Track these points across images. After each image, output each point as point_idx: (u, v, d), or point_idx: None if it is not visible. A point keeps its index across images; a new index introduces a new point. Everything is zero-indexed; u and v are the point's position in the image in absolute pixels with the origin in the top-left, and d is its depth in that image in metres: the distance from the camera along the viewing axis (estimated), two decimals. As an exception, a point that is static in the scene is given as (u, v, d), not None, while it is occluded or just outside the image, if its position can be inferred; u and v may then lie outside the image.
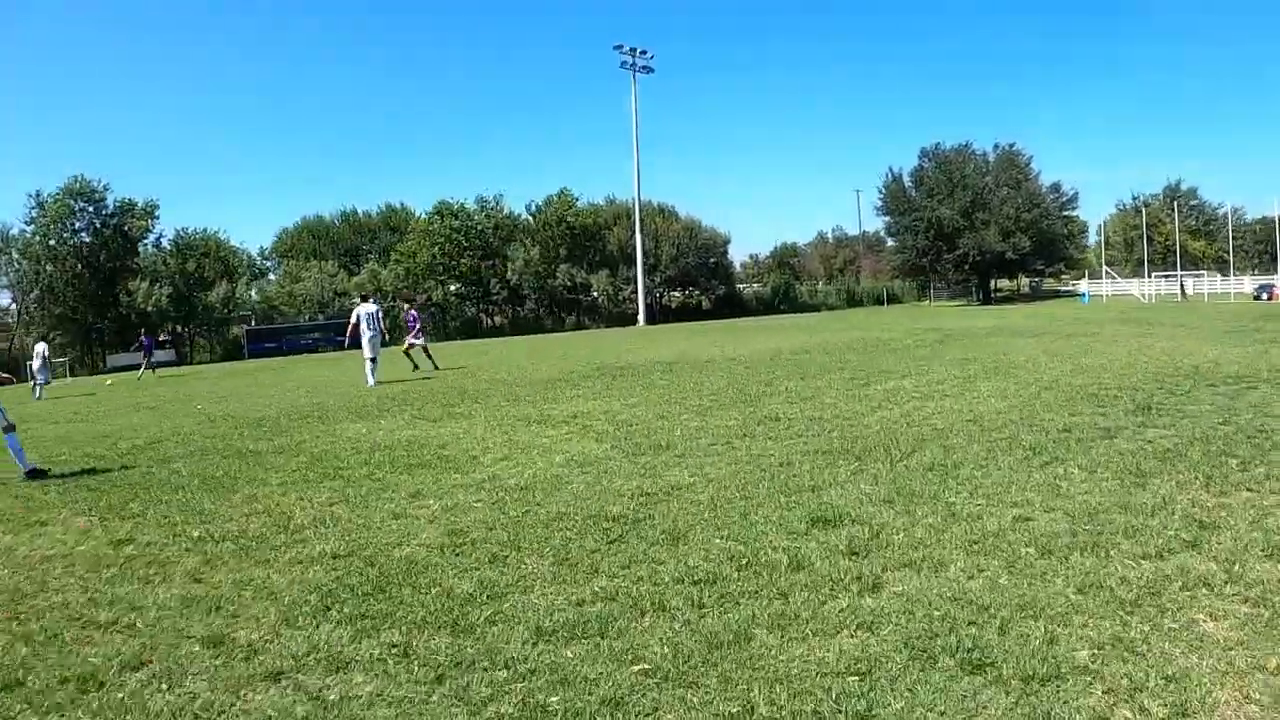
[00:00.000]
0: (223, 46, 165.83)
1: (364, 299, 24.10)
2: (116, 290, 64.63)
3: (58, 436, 14.83)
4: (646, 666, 4.03)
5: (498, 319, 78.14)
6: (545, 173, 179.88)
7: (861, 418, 10.98)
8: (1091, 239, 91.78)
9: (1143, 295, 66.42)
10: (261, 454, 11.10)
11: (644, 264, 74.51)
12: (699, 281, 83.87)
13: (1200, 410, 10.18)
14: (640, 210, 75.89)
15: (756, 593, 4.89)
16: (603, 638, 4.40)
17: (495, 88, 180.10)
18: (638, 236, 74.29)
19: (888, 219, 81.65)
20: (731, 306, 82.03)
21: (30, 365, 30.36)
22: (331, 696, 3.98)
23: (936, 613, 4.44)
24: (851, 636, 4.24)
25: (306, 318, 69.72)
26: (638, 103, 75.26)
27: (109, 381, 35.94)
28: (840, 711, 3.53)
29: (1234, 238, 77.21)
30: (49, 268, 63.15)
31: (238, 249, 78.21)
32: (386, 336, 22.79)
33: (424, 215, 78.25)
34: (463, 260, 73.42)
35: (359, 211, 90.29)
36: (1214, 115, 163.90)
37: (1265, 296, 55.29)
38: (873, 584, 4.90)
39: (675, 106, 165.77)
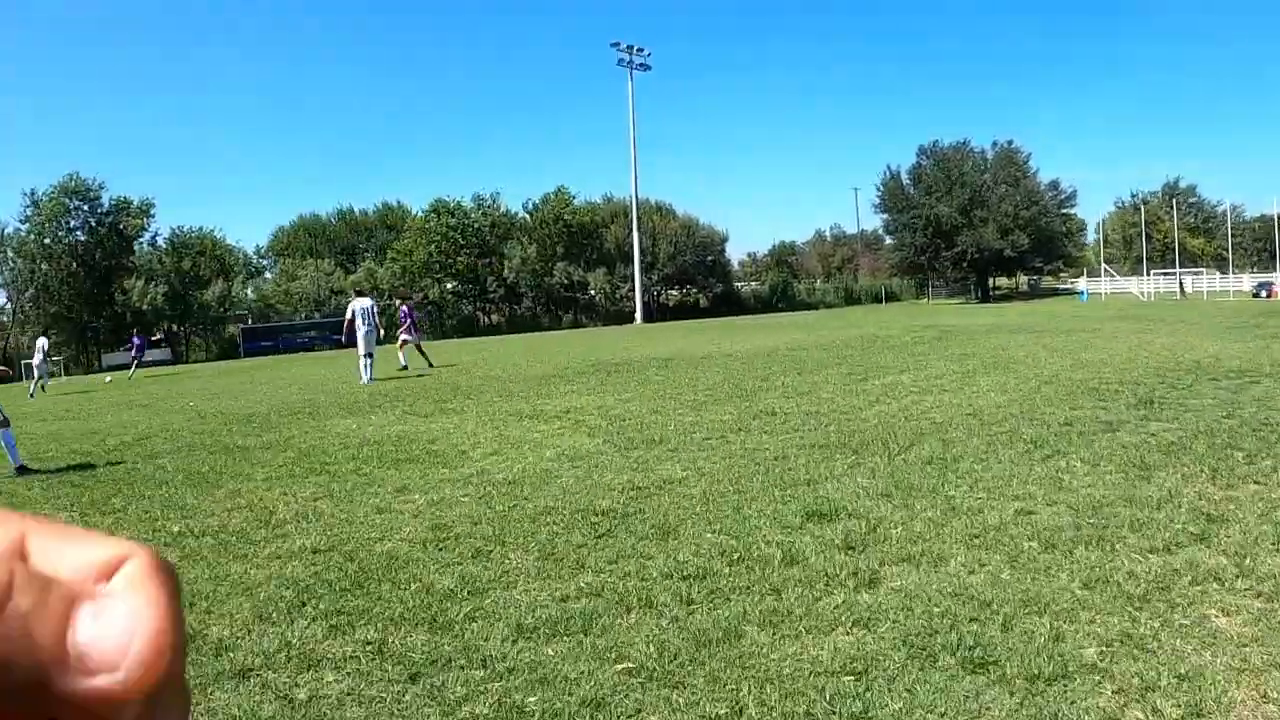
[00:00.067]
0: (218, 46, 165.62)
1: (359, 294, 23.81)
2: (112, 289, 64.33)
3: (48, 434, 14.64)
4: (630, 665, 3.84)
5: (495, 317, 77.85)
6: (542, 171, 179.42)
7: (859, 412, 10.79)
8: (1090, 237, 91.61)
9: (1141, 293, 66.22)
10: (249, 449, 10.92)
11: (641, 262, 74.27)
12: (696, 280, 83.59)
13: (1203, 404, 10.00)
14: (637, 208, 75.68)
15: (748, 588, 4.70)
16: (586, 635, 4.21)
17: (493, 87, 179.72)
18: (635, 234, 74.05)
19: (886, 217, 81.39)
20: (729, 305, 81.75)
21: (34, 361, 30.00)
22: (300, 695, 3.79)
23: (936, 609, 4.24)
24: (847, 634, 4.05)
25: (302, 316, 69.41)
26: (634, 101, 75.15)
27: (108, 379, 35.74)
28: (834, 713, 3.33)
29: (1233, 235, 77.03)
30: (44, 266, 62.82)
31: (234, 248, 77.97)
32: (382, 333, 22.54)
33: (421, 213, 77.99)
34: (459, 258, 73.15)
35: (355, 210, 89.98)
36: (1214, 114, 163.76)
37: (1264, 294, 55.09)
38: (869, 579, 4.71)
39: (673, 105, 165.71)
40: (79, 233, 64.67)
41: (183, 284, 67.23)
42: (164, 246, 69.50)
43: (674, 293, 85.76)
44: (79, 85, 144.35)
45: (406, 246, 74.19)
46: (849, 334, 28.32)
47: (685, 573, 4.99)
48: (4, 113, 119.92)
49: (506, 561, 5.44)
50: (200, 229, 73.52)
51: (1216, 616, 4.04)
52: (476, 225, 74.64)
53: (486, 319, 77.20)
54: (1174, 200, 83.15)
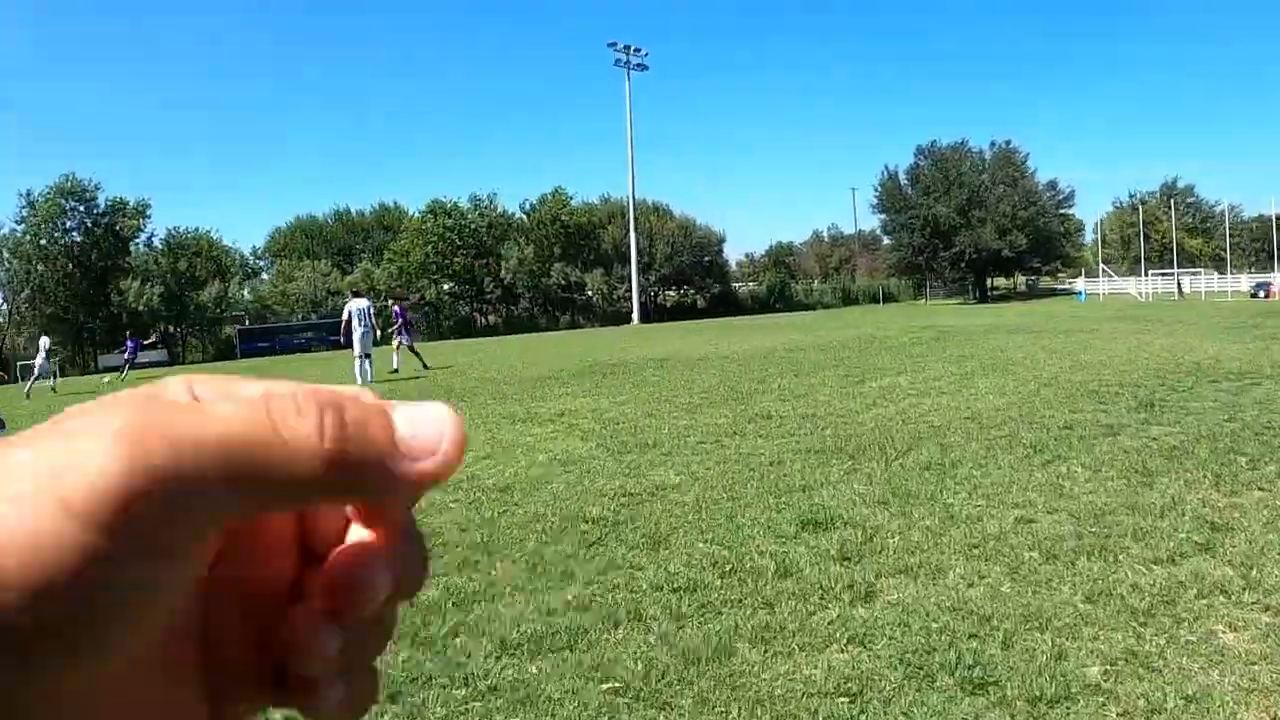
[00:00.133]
0: (212, 45, 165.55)
1: (356, 295, 23.59)
2: (108, 290, 64.23)
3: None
4: (617, 685, 3.69)
5: (492, 318, 77.73)
6: (540, 172, 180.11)
7: (856, 415, 10.65)
8: (1088, 237, 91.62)
9: (1139, 293, 66.12)
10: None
11: (638, 263, 74.17)
12: (694, 280, 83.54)
13: (1204, 407, 9.86)
14: (635, 209, 75.58)
15: (740, 601, 4.56)
16: (571, 651, 4.06)
17: (491, 87, 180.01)
18: (632, 235, 73.93)
19: (883, 217, 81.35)
20: (726, 305, 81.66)
21: (36, 360, 30.07)
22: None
23: (934, 625, 4.10)
24: (842, 651, 3.90)
25: (299, 317, 69.24)
26: (632, 101, 75.07)
27: (106, 380, 35.66)
28: (828, 737, 3.20)
29: (1231, 236, 77.05)
30: (40, 267, 62.74)
31: (230, 248, 77.92)
32: (378, 334, 22.35)
33: (417, 214, 77.89)
34: (456, 259, 73.04)
35: (352, 211, 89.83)
36: (1212, 114, 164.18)
37: (1262, 294, 55.00)
38: (865, 592, 4.56)
39: (670, 105, 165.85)
40: (75, 233, 64.62)
41: (179, 285, 67.10)
42: (160, 247, 69.40)
43: (671, 293, 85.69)
44: (71, 84, 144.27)
45: (403, 247, 74.09)
46: (846, 335, 28.17)
47: (676, 585, 4.84)
48: None
49: (493, 572, 5.30)
50: (196, 230, 73.51)
51: (1224, 632, 3.90)
52: (473, 226, 74.54)
53: (484, 320, 77.09)
54: (1172, 200, 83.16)
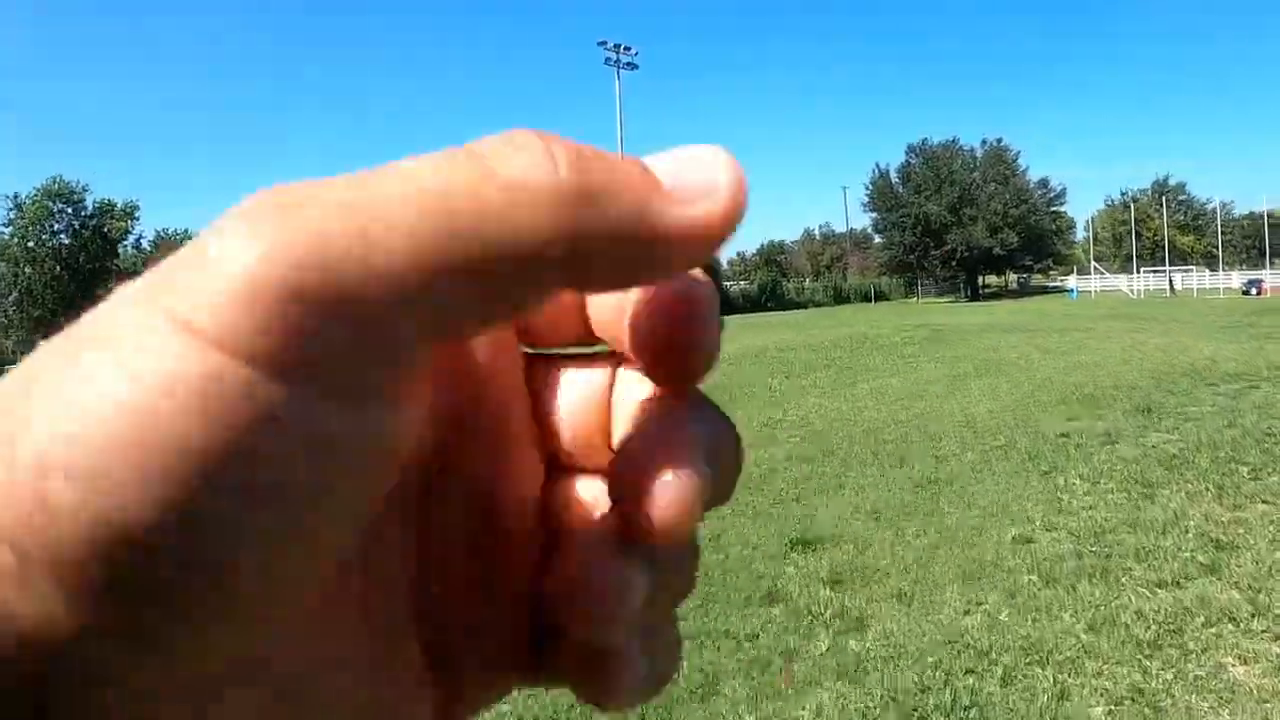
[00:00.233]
0: (201, 46, 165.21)
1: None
2: (96, 292, 63.36)
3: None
4: (591, 729, 3.48)
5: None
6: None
7: (847, 420, 10.45)
8: (1080, 235, 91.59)
9: (1131, 290, 66.09)
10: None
11: (630, 262, 74.00)
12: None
13: (1202, 412, 9.67)
14: (626, 208, 75.40)
15: (725, 632, 4.33)
16: (544, 690, 3.84)
17: (487, 87, 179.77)
18: (623, 234, 73.74)
19: (875, 215, 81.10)
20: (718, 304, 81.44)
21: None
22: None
23: (929, 659, 3.87)
24: (830, 689, 3.68)
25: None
26: (622, 100, 74.85)
27: None
28: (815, 790, 2.98)
29: (1222, 233, 77.10)
30: (27, 270, 62.45)
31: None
32: None
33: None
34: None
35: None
36: (1204, 112, 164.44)
37: (1254, 291, 54.91)
38: (857, 621, 4.34)
39: (661, 105, 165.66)
40: (63, 236, 64.31)
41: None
42: (149, 249, 69.08)
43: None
44: (64, 84, 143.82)
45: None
46: (838, 334, 27.99)
47: (658, 612, 4.62)
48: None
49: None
50: (186, 231, 73.08)
51: (1233, 665, 3.69)
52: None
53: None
54: (1163, 198, 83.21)
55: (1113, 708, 3.37)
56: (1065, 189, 77.71)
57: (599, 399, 0.28)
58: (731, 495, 0.27)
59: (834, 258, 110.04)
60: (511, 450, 0.26)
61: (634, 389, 0.27)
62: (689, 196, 0.23)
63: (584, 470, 0.28)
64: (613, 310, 0.27)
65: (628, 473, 0.24)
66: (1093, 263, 76.60)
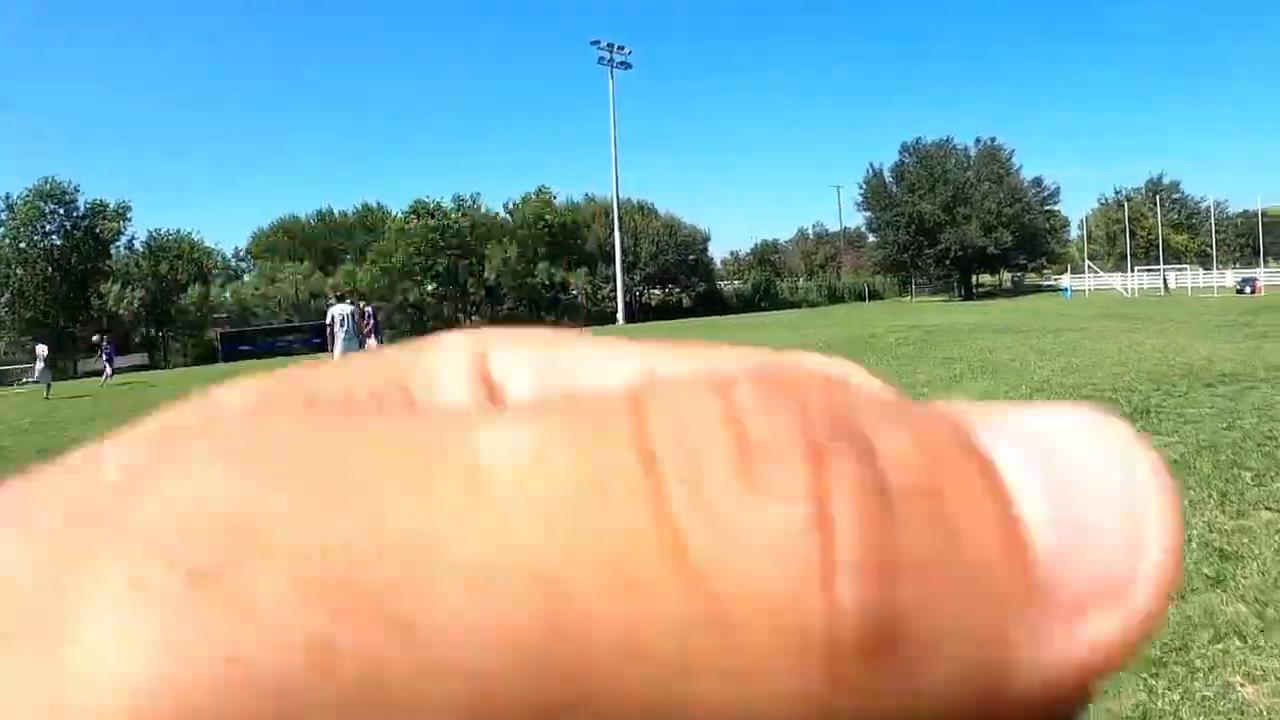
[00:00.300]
0: (196, 46, 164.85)
1: (340, 299, 23.26)
2: (88, 293, 63.67)
3: (-2, 450, 14.13)
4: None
5: (476, 319, 77.31)
6: (524, 170, 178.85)
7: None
8: (1073, 234, 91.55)
9: (1125, 289, 66.10)
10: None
11: (623, 262, 73.82)
12: (679, 279, 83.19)
13: (1201, 414, 9.55)
14: (619, 208, 75.23)
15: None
16: None
17: (483, 87, 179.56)
18: (616, 234, 73.55)
19: (868, 214, 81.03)
20: (712, 304, 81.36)
21: (36, 368, 31.33)
22: None
23: (926, 678, 3.74)
24: None
25: (282, 320, 68.72)
26: (615, 99, 74.78)
27: (100, 384, 35.40)
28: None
29: (1216, 232, 77.11)
30: (19, 271, 62.09)
31: (212, 251, 77.32)
32: (366, 342, 21.99)
33: (400, 215, 77.33)
34: (439, 260, 72.55)
35: (335, 211, 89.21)
36: (1198, 111, 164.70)
37: (1248, 290, 54.92)
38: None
39: (655, 105, 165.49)
40: (54, 237, 63.97)
41: (160, 288, 66.51)
42: (141, 250, 68.84)
43: (656, 292, 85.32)
44: (56, 84, 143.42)
45: (386, 248, 73.55)
46: (833, 334, 27.88)
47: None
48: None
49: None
50: (178, 231, 72.94)
51: (1242, 685, 3.55)
52: (457, 226, 74.06)
53: (468, 321, 76.66)
54: (1157, 197, 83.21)
55: (1119, 732, 3.24)
56: (1059, 188, 77.74)
57: None
58: None
59: (828, 257, 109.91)
60: None
61: None
62: (1083, 597, 0.13)
63: None
64: None
65: None
66: (1087, 261, 76.57)
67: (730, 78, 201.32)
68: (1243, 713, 3.34)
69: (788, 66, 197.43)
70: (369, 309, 24.82)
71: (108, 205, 66.42)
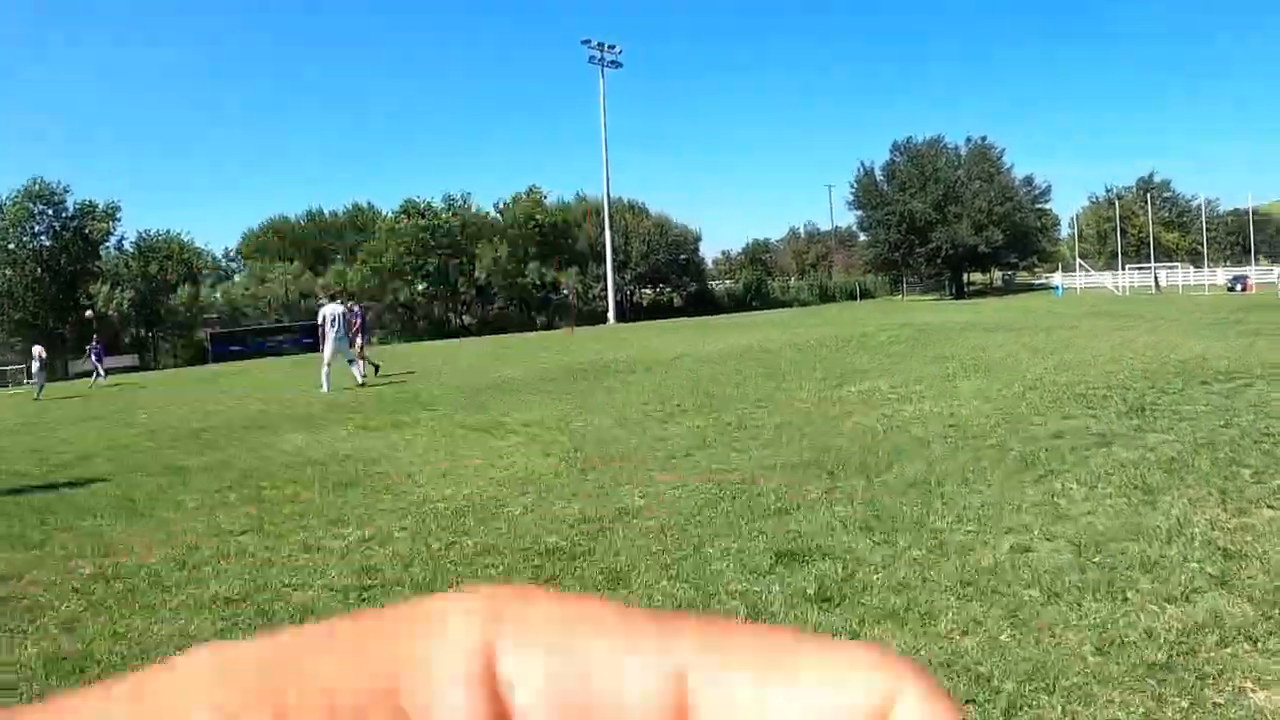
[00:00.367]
0: (190, 46, 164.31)
1: (332, 298, 23.08)
2: (77, 294, 63.31)
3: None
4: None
5: (466, 318, 77.02)
6: (514, 169, 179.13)
7: (834, 424, 10.17)
8: (1064, 232, 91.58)
9: (1116, 287, 66.08)
10: (188, 471, 10.22)
11: (614, 261, 73.65)
12: (670, 278, 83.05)
13: (1197, 411, 9.44)
14: (610, 207, 75.04)
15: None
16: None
17: (473, 87, 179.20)
18: (607, 233, 73.38)
19: (860, 213, 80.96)
20: (703, 303, 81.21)
21: (34, 368, 32.22)
22: None
23: (926, 686, 3.60)
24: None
25: (272, 320, 68.43)
26: (606, 98, 74.58)
27: (90, 385, 35.23)
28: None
29: (1207, 230, 77.17)
30: (8, 272, 61.78)
31: (202, 251, 76.98)
32: (357, 341, 21.80)
33: (390, 214, 77.08)
34: (430, 259, 72.30)
35: (325, 211, 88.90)
36: (1189, 109, 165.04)
37: (1239, 287, 54.93)
38: (847, 642, 4.07)
39: (646, 104, 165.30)
40: (43, 237, 63.70)
41: (150, 288, 66.18)
42: (130, 250, 68.50)
43: (648, 292, 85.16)
44: (48, 83, 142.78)
45: (376, 248, 73.28)
46: (824, 332, 27.74)
47: (636, 632, 4.34)
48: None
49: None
50: (168, 232, 72.54)
51: (1253, 690, 3.42)
52: (447, 225, 73.83)
53: (458, 320, 76.36)
54: (1148, 195, 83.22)
55: (1127, 741, 3.11)
56: (1050, 186, 77.77)
57: None
58: None
59: (819, 256, 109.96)
60: None
61: None
62: None
63: None
64: None
65: None
66: (1078, 260, 76.55)
67: (722, 77, 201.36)
68: (1255, 720, 3.21)
69: (780, 66, 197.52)
70: (357, 308, 24.61)
71: (97, 206, 66.09)
